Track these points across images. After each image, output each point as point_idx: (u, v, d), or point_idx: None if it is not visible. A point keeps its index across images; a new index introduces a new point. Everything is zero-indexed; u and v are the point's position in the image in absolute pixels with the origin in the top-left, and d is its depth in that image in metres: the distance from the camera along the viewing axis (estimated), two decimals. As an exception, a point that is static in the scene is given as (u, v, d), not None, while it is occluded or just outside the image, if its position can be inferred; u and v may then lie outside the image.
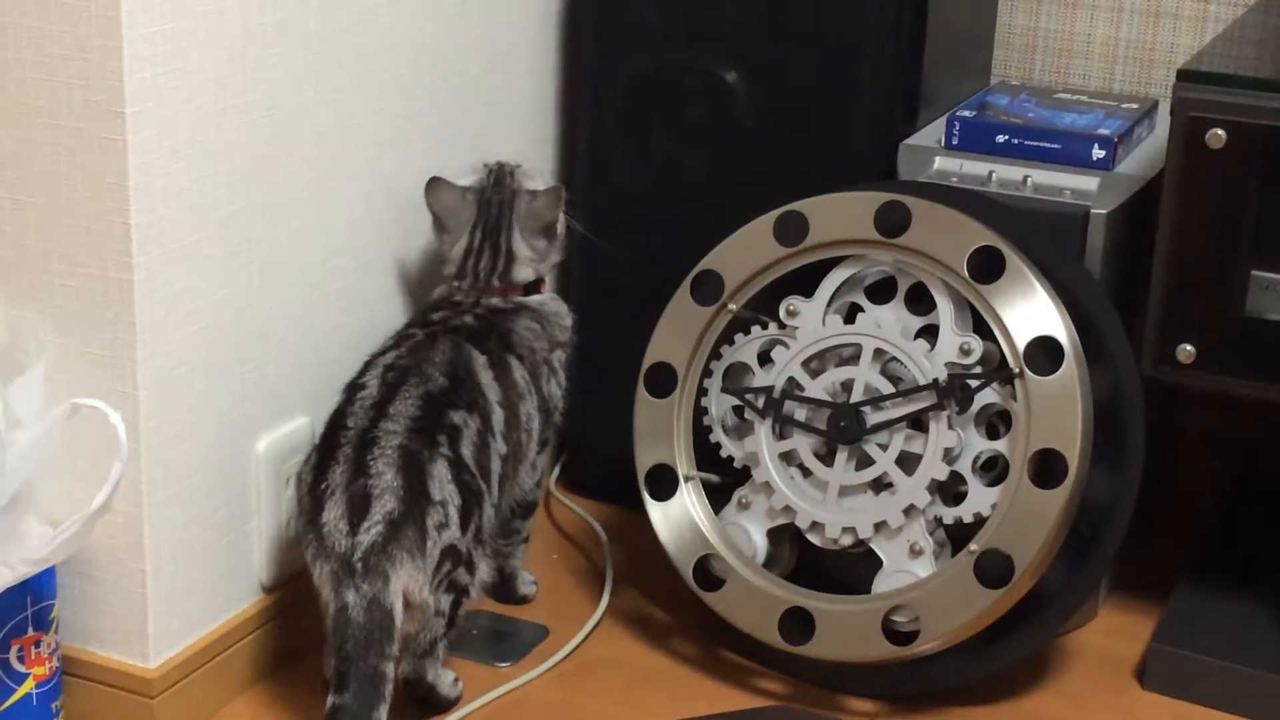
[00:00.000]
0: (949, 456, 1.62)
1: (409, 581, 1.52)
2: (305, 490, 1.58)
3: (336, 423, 1.60)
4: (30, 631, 1.51)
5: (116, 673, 1.57)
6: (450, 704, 1.63)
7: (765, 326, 1.72)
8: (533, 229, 1.75)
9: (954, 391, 1.62)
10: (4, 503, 1.45)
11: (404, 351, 1.66)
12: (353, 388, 1.63)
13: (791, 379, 1.70)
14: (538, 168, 2.01)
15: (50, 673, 1.54)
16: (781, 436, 1.70)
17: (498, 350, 1.70)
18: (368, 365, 1.66)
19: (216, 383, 1.58)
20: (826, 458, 1.68)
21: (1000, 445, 1.62)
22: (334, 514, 1.53)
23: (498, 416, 1.66)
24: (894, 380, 1.66)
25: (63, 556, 1.48)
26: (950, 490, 1.64)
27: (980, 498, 1.62)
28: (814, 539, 1.68)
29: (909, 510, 1.63)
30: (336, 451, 1.57)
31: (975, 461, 1.63)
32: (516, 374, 1.70)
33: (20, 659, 1.52)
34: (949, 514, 1.63)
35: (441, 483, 1.56)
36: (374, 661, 1.49)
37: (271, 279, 1.63)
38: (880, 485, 1.66)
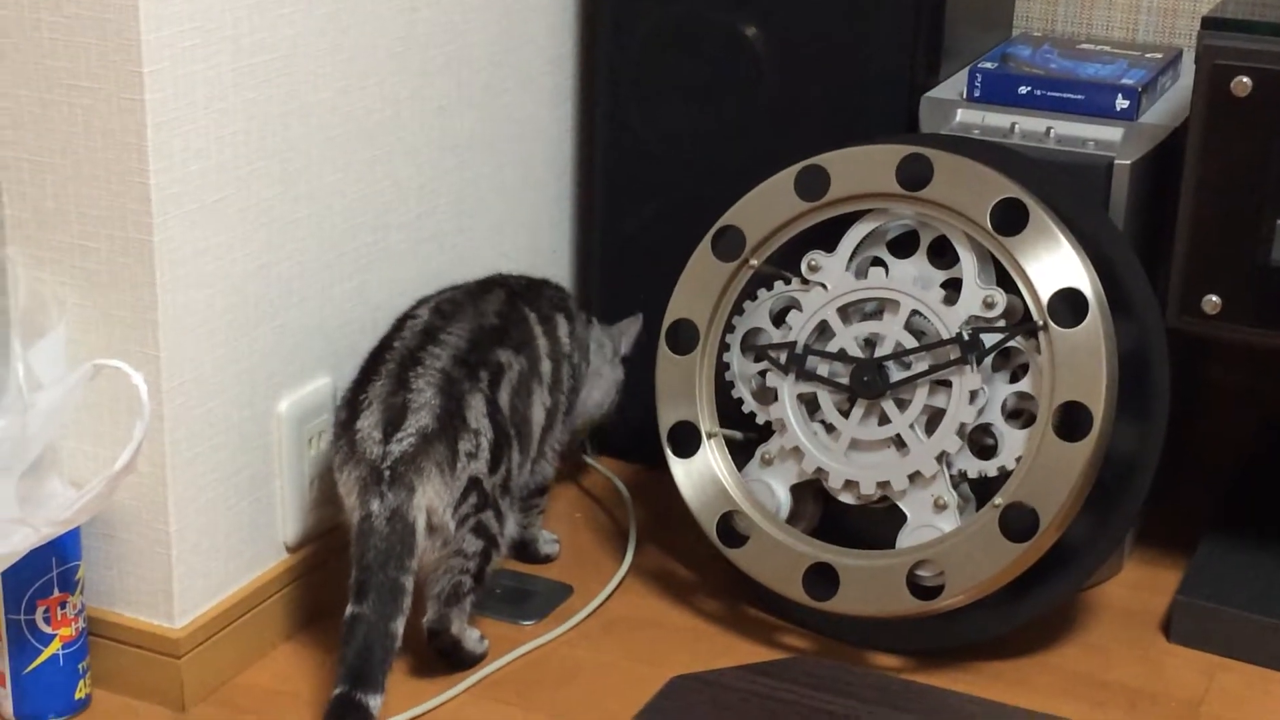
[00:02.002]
0: (973, 410, 1.61)
1: (434, 498, 1.54)
2: (343, 403, 1.60)
3: (383, 345, 1.63)
4: (56, 593, 1.52)
5: (142, 633, 1.57)
6: (476, 660, 1.63)
7: (787, 282, 1.72)
8: None
9: (977, 345, 1.61)
10: (27, 464, 1.45)
11: (459, 293, 1.70)
12: (403, 319, 1.67)
13: (814, 334, 1.69)
14: (556, 127, 2.00)
15: (76, 634, 1.55)
16: (804, 392, 1.70)
17: (546, 308, 1.74)
18: (420, 302, 1.69)
19: (237, 343, 1.58)
20: (850, 413, 1.67)
21: (1025, 386, 1.61)
22: (369, 422, 1.55)
23: (545, 367, 1.69)
24: (917, 334, 1.65)
25: (87, 517, 1.48)
26: (975, 444, 1.63)
27: (1005, 451, 1.61)
28: (838, 494, 1.68)
29: (933, 465, 1.63)
30: (380, 368, 1.60)
31: (1002, 410, 1.62)
32: (561, 331, 1.74)
33: (46, 620, 1.52)
34: (973, 468, 1.63)
35: (478, 415, 1.58)
36: (393, 573, 1.50)
37: (291, 238, 1.62)
38: (903, 440, 1.65)
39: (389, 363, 1.60)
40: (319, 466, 1.68)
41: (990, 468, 1.61)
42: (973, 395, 1.61)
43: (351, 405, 1.59)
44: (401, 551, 1.52)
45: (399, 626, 1.51)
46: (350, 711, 1.47)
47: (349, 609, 1.51)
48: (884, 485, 1.65)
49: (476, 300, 1.70)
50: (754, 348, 1.72)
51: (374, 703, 1.48)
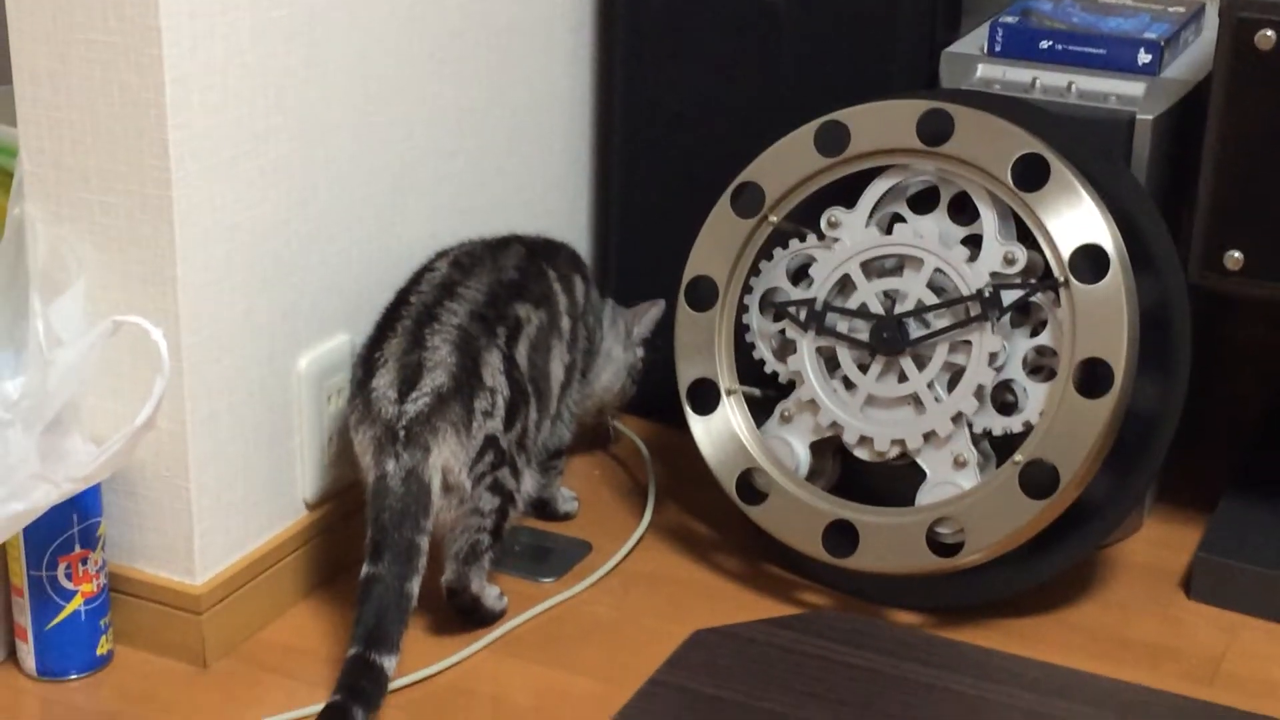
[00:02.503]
0: (993, 367, 1.61)
1: (449, 458, 1.54)
2: (359, 360, 1.60)
3: (400, 299, 1.63)
4: (77, 549, 1.52)
5: (163, 589, 1.58)
6: (495, 617, 1.64)
7: (805, 238, 1.71)
8: None
9: (998, 301, 1.60)
10: (48, 421, 1.46)
11: (477, 246, 1.70)
12: (421, 272, 1.66)
13: (834, 290, 1.68)
14: (574, 91, 1.99)
15: (98, 590, 1.55)
16: (824, 349, 1.69)
17: (564, 267, 1.74)
18: (439, 255, 1.69)
19: (256, 300, 1.58)
20: (870, 369, 1.67)
21: (1046, 341, 1.60)
22: (384, 381, 1.55)
23: (565, 323, 1.69)
24: (937, 291, 1.64)
25: (107, 474, 1.49)
26: (994, 401, 1.63)
27: (1026, 408, 1.61)
28: (857, 451, 1.68)
29: (953, 422, 1.62)
30: (395, 324, 1.59)
31: (1023, 366, 1.61)
32: (578, 292, 1.75)
33: (68, 576, 1.53)
34: (993, 424, 1.62)
35: (494, 372, 1.57)
36: (409, 534, 1.51)
37: (310, 196, 1.62)
38: (923, 397, 1.65)
39: (405, 319, 1.59)
40: (337, 424, 1.68)
41: (1011, 424, 1.61)
42: (993, 352, 1.60)
43: (367, 363, 1.59)
44: (417, 511, 1.52)
45: (414, 587, 1.51)
46: (365, 672, 1.47)
47: (364, 569, 1.51)
48: (903, 442, 1.64)
49: (495, 254, 1.69)
50: (773, 304, 1.72)
51: (389, 663, 1.48)
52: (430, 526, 1.53)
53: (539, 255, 1.73)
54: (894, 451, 1.65)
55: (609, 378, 1.85)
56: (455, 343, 1.57)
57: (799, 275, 1.72)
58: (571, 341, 1.72)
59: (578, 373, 1.76)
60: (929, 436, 1.63)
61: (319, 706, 1.46)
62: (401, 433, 1.53)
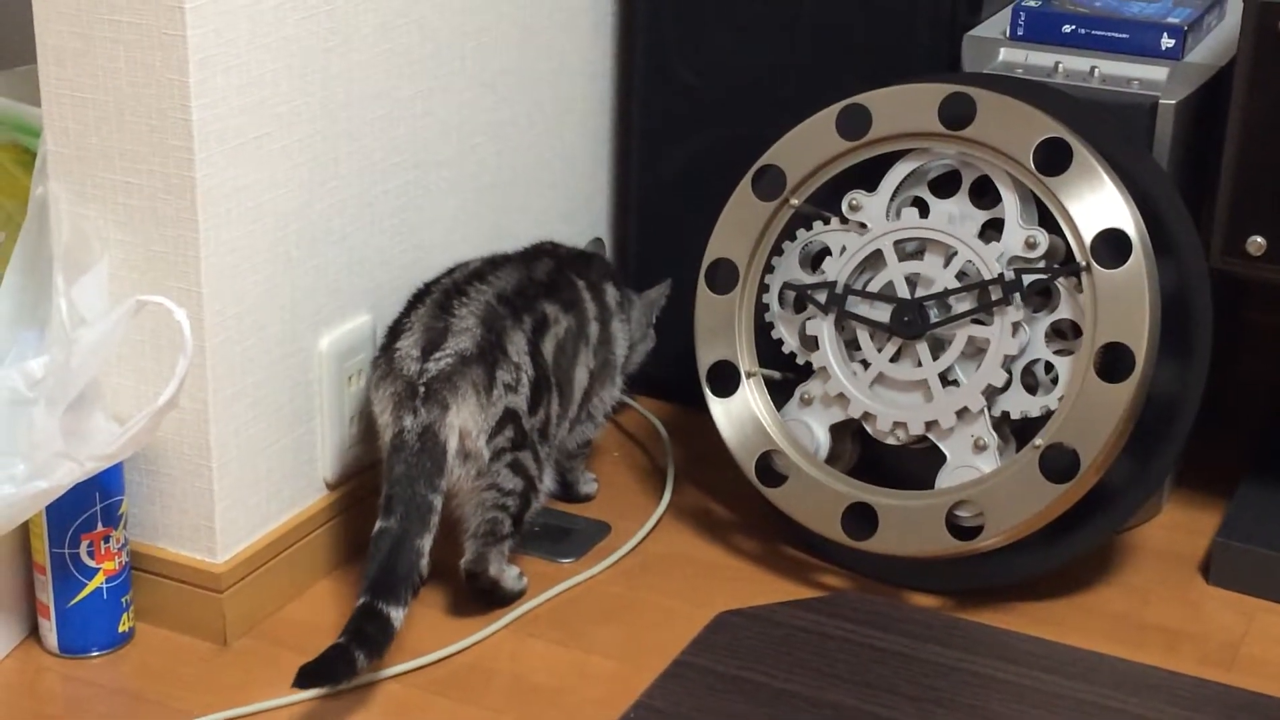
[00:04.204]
0: (1016, 346, 1.61)
1: (468, 419, 1.55)
2: (387, 331, 1.61)
3: (431, 282, 1.65)
4: (100, 527, 1.53)
5: (185, 568, 1.59)
6: (515, 597, 1.64)
7: (827, 221, 1.71)
8: None
9: (1019, 285, 1.60)
10: (71, 400, 1.46)
11: (510, 254, 1.72)
12: (456, 265, 1.68)
13: (855, 274, 1.68)
14: (595, 65, 1.99)
15: (120, 568, 1.56)
16: (844, 332, 1.69)
17: (595, 277, 1.75)
18: (471, 260, 1.70)
19: (278, 280, 1.59)
20: (890, 353, 1.67)
21: (1066, 312, 1.60)
22: (408, 342, 1.57)
23: (593, 330, 1.70)
24: (958, 275, 1.64)
25: (130, 452, 1.49)
26: (1013, 385, 1.63)
27: (1045, 392, 1.61)
28: (877, 434, 1.68)
29: (973, 405, 1.62)
30: (425, 299, 1.62)
31: (1044, 349, 1.61)
32: (609, 297, 1.76)
33: (90, 554, 1.54)
34: (1013, 408, 1.62)
35: (519, 350, 1.59)
36: (423, 491, 1.52)
37: (332, 176, 1.62)
38: (944, 380, 1.65)
39: (434, 294, 1.62)
40: (359, 404, 1.69)
41: (1031, 408, 1.61)
42: (1015, 330, 1.60)
43: (394, 330, 1.61)
44: (432, 470, 1.53)
45: (425, 544, 1.52)
46: (370, 620, 1.48)
47: (377, 523, 1.52)
48: (924, 425, 1.64)
49: (528, 260, 1.71)
50: (794, 287, 1.72)
51: (396, 615, 1.49)
52: (444, 487, 1.54)
53: (569, 267, 1.74)
54: (915, 434, 1.65)
55: (633, 366, 1.85)
56: (482, 316, 1.59)
57: (817, 260, 1.72)
58: (599, 346, 1.72)
59: (606, 377, 1.75)
60: (950, 419, 1.63)
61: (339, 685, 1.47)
62: (421, 389, 1.54)
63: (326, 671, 1.45)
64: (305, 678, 1.43)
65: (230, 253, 1.52)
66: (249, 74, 1.50)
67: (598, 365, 1.72)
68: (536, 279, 1.67)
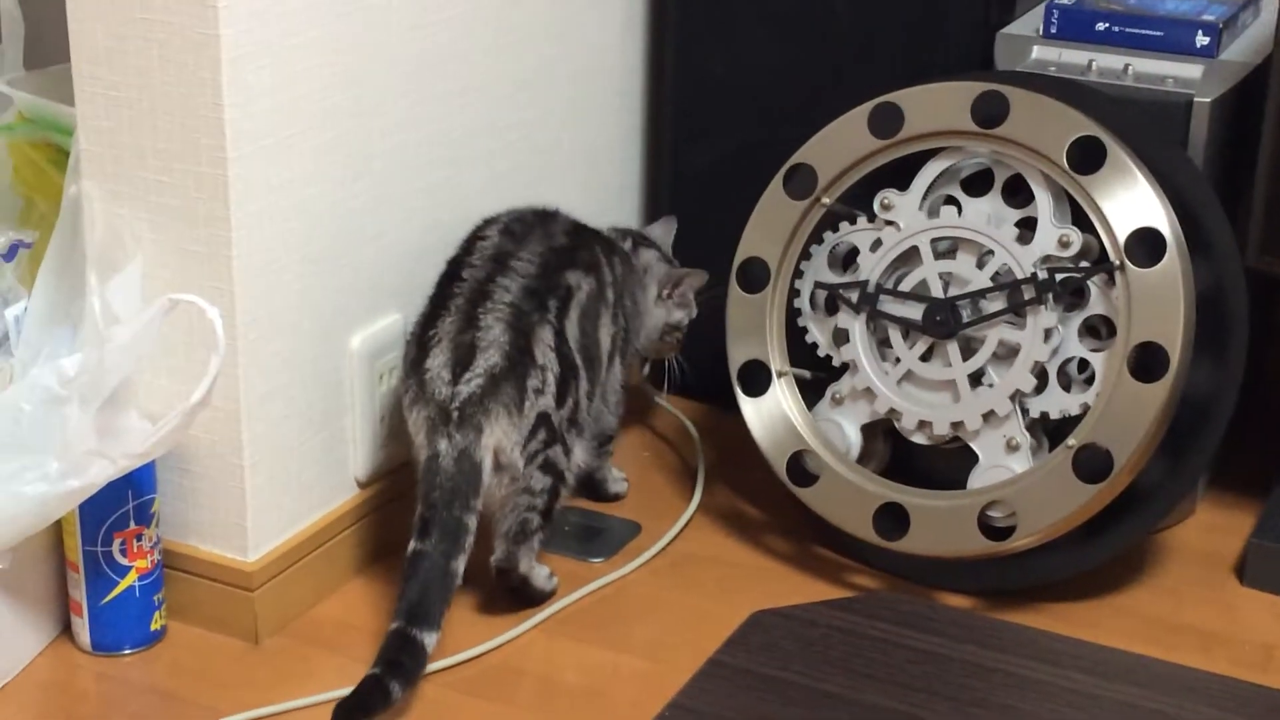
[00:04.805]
0: (1047, 351, 1.60)
1: (502, 438, 1.55)
2: (413, 338, 1.60)
3: (452, 273, 1.63)
4: (132, 525, 1.53)
5: (217, 566, 1.59)
6: (545, 597, 1.64)
7: (854, 221, 1.70)
8: None
9: (1052, 285, 1.59)
10: (104, 398, 1.46)
11: (527, 214, 1.69)
12: (472, 239, 1.66)
13: (886, 273, 1.68)
14: (627, 61, 1.99)
15: (152, 566, 1.56)
16: (875, 332, 1.69)
17: (610, 232, 1.76)
18: (488, 222, 1.68)
19: (311, 279, 1.59)
20: (922, 353, 1.66)
21: (1100, 308, 1.59)
22: (438, 361, 1.56)
23: (610, 293, 1.69)
24: (992, 276, 1.63)
25: (162, 451, 1.49)
26: (1048, 385, 1.62)
27: (1080, 390, 1.60)
28: (909, 434, 1.67)
29: (1005, 405, 1.62)
30: (449, 302, 1.60)
31: (1077, 347, 1.60)
32: (635, 261, 1.77)
33: (123, 552, 1.54)
34: (1047, 408, 1.61)
35: (545, 349, 1.58)
36: (458, 513, 1.52)
37: (365, 174, 1.62)
38: (976, 380, 1.64)
39: (457, 297, 1.60)
40: (390, 402, 1.69)
41: (1066, 407, 1.60)
42: (1047, 335, 1.59)
43: (421, 342, 1.59)
44: (467, 491, 1.53)
45: (460, 565, 1.52)
46: (406, 647, 1.47)
47: (411, 545, 1.52)
48: (956, 425, 1.64)
49: (546, 220, 1.69)
50: (826, 286, 1.71)
51: (429, 640, 1.49)
52: (479, 506, 1.54)
53: (586, 227, 1.73)
54: (947, 434, 1.65)
55: (644, 336, 1.83)
56: (508, 321, 1.58)
57: (847, 261, 1.71)
58: (617, 308, 1.71)
59: (626, 343, 1.74)
60: (983, 419, 1.62)
61: (371, 684, 1.47)
62: (455, 414, 1.53)
63: (363, 705, 1.44)
64: (343, 713, 1.43)
65: (263, 251, 1.52)
66: (282, 72, 1.50)
67: (618, 331, 1.71)
68: (557, 245, 1.66)
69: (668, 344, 1.85)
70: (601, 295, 1.68)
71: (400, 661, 1.47)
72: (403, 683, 1.46)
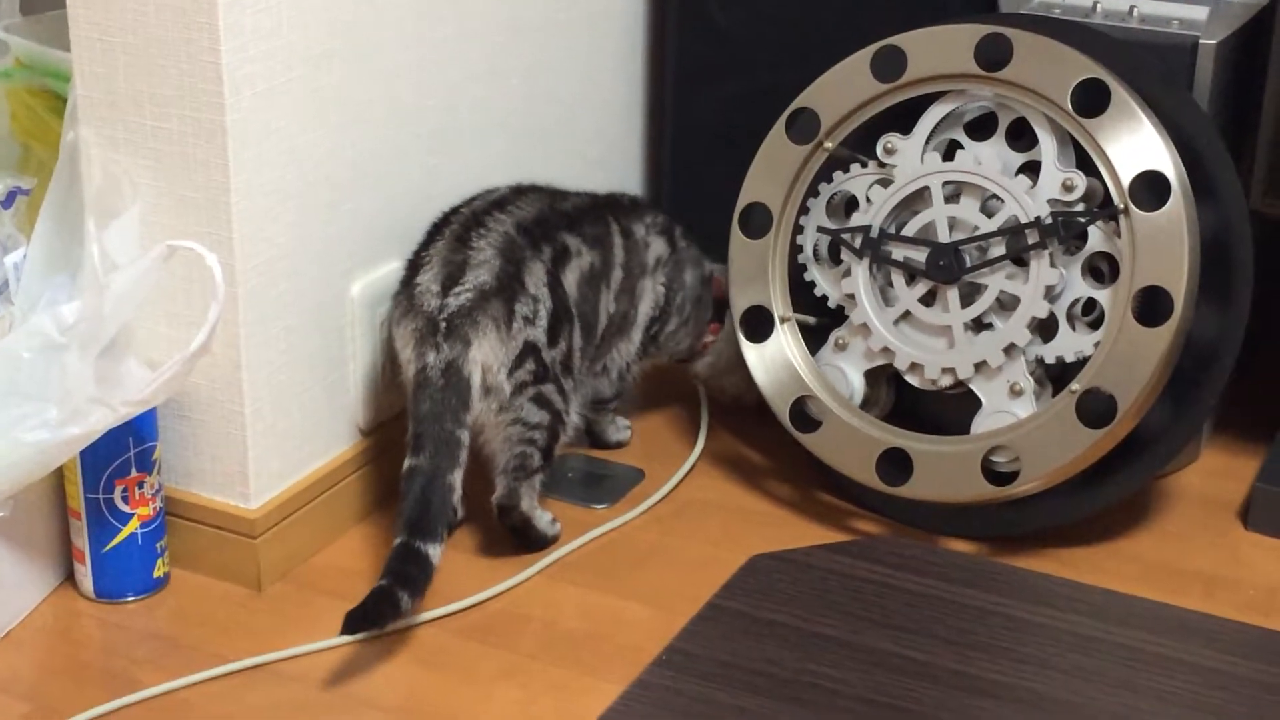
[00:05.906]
0: (1050, 295, 1.59)
1: (489, 354, 1.55)
2: (406, 263, 1.61)
3: (451, 211, 1.64)
4: (133, 473, 1.53)
5: (219, 513, 1.59)
6: (549, 542, 1.64)
7: (863, 165, 1.69)
8: None
9: (1056, 229, 1.58)
10: (103, 345, 1.46)
11: (541, 185, 1.70)
12: (482, 192, 1.67)
13: (889, 218, 1.67)
14: (628, 8, 1.98)
15: (154, 513, 1.56)
16: (879, 276, 1.68)
17: (634, 222, 1.73)
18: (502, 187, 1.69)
19: (310, 225, 1.58)
20: (925, 298, 1.66)
21: (1100, 245, 1.58)
22: (428, 277, 1.57)
23: (616, 275, 1.68)
24: (994, 218, 1.62)
25: (163, 398, 1.49)
26: (1051, 330, 1.61)
27: (1082, 336, 1.59)
28: (912, 380, 1.67)
29: (1009, 350, 1.61)
30: (444, 229, 1.62)
31: (1084, 288, 1.60)
32: (650, 251, 1.73)
33: (125, 499, 1.54)
34: (1050, 353, 1.61)
35: (538, 282, 1.58)
36: (450, 426, 1.52)
37: (363, 120, 1.61)
38: (980, 325, 1.63)
39: (453, 225, 1.61)
40: (391, 349, 1.68)
41: (1068, 352, 1.60)
42: (1048, 291, 1.59)
43: (413, 264, 1.61)
44: (457, 405, 1.53)
45: (456, 479, 1.52)
46: (411, 560, 1.48)
47: (406, 462, 1.53)
48: (959, 370, 1.63)
49: (557, 192, 1.70)
50: (829, 231, 1.70)
51: (434, 551, 1.49)
52: (469, 421, 1.54)
53: (607, 208, 1.72)
54: (949, 380, 1.64)
55: (674, 347, 1.81)
56: (500, 247, 1.58)
57: (850, 207, 1.71)
58: (620, 293, 1.70)
59: (623, 330, 1.73)
60: (985, 364, 1.62)
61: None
62: (443, 324, 1.54)
63: (373, 614, 1.45)
64: (352, 622, 1.44)
65: (262, 197, 1.52)
66: (279, 17, 1.49)
67: (617, 313, 1.71)
68: (560, 210, 1.66)
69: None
70: (605, 275, 1.68)
71: (407, 572, 1.48)
72: (411, 592, 1.47)
